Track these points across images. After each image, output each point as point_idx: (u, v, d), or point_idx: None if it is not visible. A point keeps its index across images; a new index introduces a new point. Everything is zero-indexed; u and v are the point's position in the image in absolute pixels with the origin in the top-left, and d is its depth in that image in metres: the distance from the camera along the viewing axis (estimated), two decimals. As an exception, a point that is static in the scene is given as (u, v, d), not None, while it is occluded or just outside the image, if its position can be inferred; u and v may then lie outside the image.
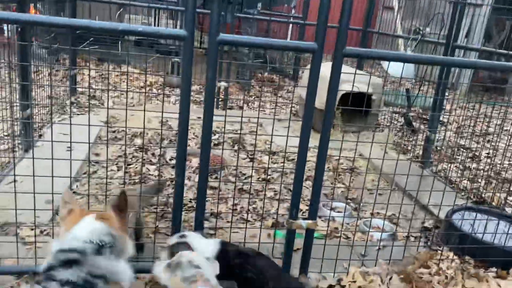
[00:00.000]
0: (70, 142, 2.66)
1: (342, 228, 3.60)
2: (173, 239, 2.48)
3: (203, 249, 2.40)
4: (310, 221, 2.78)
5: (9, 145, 4.75)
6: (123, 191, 2.05)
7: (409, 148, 6.17)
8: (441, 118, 6.54)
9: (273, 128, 2.90)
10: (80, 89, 7.28)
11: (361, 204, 4.33)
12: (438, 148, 6.16)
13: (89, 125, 2.66)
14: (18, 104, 4.59)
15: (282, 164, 5.23)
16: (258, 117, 3.31)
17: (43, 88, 5.91)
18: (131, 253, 2.03)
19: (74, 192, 3.96)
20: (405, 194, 4.55)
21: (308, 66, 2.57)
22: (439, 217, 3.88)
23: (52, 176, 2.64)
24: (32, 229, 3.17)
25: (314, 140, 2.72)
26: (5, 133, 5.04)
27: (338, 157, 5.28)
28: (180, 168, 2.60)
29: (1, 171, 3.98)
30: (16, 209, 2.69)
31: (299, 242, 2.93)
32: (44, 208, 3.23)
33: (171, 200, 4.05)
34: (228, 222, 3.79)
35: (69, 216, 1.99)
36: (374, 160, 5.19)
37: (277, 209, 3.27)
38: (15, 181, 3.00)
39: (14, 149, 4.69)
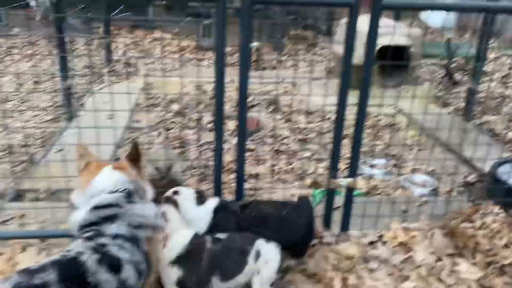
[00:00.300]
0: (112, 110, 2.72)
1: (382, 185, 3.57)
2: (167, 194, 2.53)
3: (187, 208, 2.46)
4: (350, 180, 2.78)
5: (53, 115, 4.94)
6: (135, 142, 2.11)
7: (451, 101, 5.95)
8: (484, 68, 6.23)
9: (310, 88, 2.86)
10: (115, 57, 7.37)
11: (401, 160, 4.26)
12: (482, 99, 5.91)
13: (128, 92, 2.71)
14: (58, 76, 4.72)
15: (318, 123, 5.20)
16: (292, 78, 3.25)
17: (80, 58, 6.04)
18: (152, 196, 2.11)
19: (117, 158, 4.10)
20: (447, 149, 4.45)
21: (342, 21, 2.48)
22: (483, 171, 3.78)
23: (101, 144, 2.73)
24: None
25: (350, 97, 2.66)
26: (49, 104, 5.24)
27: (376, 114, 5.19)
28: (219, 132, 2.63)
29: (49, 140, 4.16)
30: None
31: (338, 201, 2.95)
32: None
33: (210, 163, 4.14)
34: (266, 183, 3.85)
35: (87, 169, 2.07)
36: (414, 115, 5.07)
37: (315, 169, 3.27)
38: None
39: (58, 119, 4.88)
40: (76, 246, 1.78)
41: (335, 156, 2.74)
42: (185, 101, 5.73)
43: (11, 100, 4.79)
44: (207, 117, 5.30)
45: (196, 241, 2.30)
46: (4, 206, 3.13)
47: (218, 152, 2.67)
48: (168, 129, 4.87)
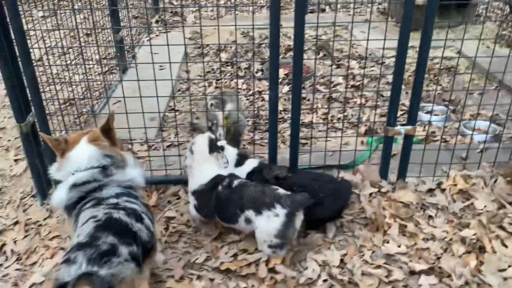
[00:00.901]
0: (169, 62, 2.74)
1: (440, 132, 3.46)
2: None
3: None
4: (408, 127, 2.71)
5: (107, 68, 5.07)
6: (111, 113, 2.13)
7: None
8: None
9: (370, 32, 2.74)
10: (162, 6, 7.34)
11: (460, 105, 4.09)
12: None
13: (184, 44, 2.71)
14: (110, 28, 4.78)
15: (371, 69, 5.03)
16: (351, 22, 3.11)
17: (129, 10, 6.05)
18: (131, 163, 2.16)
19: (172, 109, 4.19)
20: (511, 93, 4.21)
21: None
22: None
23: (156, 96, 2.78)
24: (142, 145, 3.48)
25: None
26: (102, 57, 5.35)
27: (432, 57, 4.93)
28: (273, 81, 2.60)
29: (105, 93, 4.30)
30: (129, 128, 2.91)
31: (394, 148, 2.90)
32: (148, 125, 3.50)
33: (262, 112, 4.15)
34: (320, 131, 3.82)
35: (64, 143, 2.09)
36: (474, 57, 4.78)
37: (369, 116, 3.19)
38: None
39: (112, 71, 5.01)
40: (96, 211, 1.88)
41: (394, 103, 2.66)
42: (233, 49, 5.69)
43: (66, 54, 4.93)
44: (256, 65, 5.25)
45: (213, 182, 2.47)
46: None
47: (274, 101, 2.65)
48: (218, 79, 4.88)
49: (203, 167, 2.53)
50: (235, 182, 2.44)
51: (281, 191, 2.35)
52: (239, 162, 2.68)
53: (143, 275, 1.89)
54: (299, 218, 2.32)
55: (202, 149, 2.55)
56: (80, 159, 2.05)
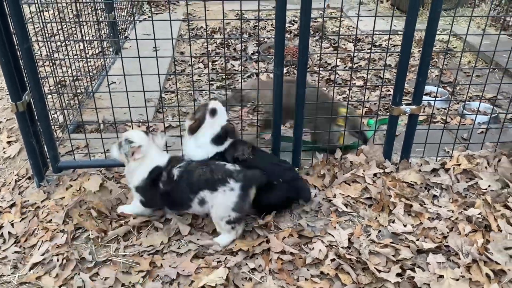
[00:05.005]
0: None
1: (441, 113, 3.45)
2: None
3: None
4: (414, 107, 2.68)
5: (99, 48, 4.93)
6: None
7: (511, 23, 5.55)
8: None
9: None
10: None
11: (458, 87, 4.08)
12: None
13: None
14: (102, 8, 4.65)
15: (368, 50, 4.99)
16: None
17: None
18: None
19: (168, 91, 4.11)
20: (507, 74, 4.22)
21: None
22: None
23: (158, 74, 2.70)
24: (139, 126, 3.41)
25: (399, 22, 2.49)
26: (94, 38, 5.21)
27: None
28: (279, 59, 2.55)
29: (98, 73, 4.19)
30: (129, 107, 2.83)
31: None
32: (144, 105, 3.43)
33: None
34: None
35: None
36: (470, 39, 4.77)
37: (368, 97, 3.16)
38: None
39: (105, 52, 4.88)
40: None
41: (399, 83, 2.62)
42: (228, 30, 5.59)
43: (56, 35, 4.78)
44: (251, 47, 5.18)
45: (156, 172, 2.38)
46: (66, 137, 3.22)
47: (279, 80, 2.59)
48: (213, 61, 4.80)
49: (143, 161, 2.39)
50: (178, 170, 2.36)
51: (229, 166, 2.34)
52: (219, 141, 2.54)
53: None
54: (252, 192, 2.33)
55: (140, 142, 2.39)
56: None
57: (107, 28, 4.80)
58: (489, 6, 5.97)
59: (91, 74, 3.88)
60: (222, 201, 2.27)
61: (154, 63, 2.62)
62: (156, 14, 6.16)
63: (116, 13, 4.83)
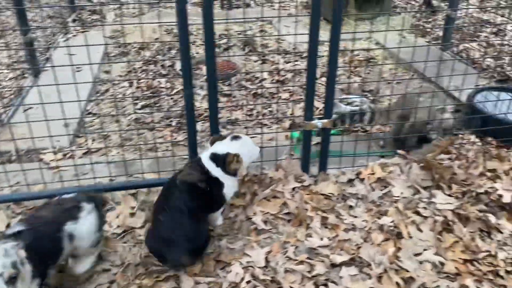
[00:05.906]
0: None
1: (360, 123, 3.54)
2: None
3: None
4: (325, 121, 2.73)
5: (18, 72, 4.71)
6: None
7: (429, 30, 5.83)
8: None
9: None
10: (79, 5, 6.97)
11: (378, 95, 4.21)
12: (460, 26, 5.80)
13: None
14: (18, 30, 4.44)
15: (295, 63, 5.06)
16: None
17: (41, 8, 5.68)
18: None
19: (89, 113, 3.97)
20: (425, 80, 4.41)
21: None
22: (461, 100, 3.77)
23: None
24: (55, 153, 3.25)
25: (327, 33, 2.53)
26: (12, 60, 4.97)
27: (352, 49, 5.06)
28: (187, 79, 2.52)
29: (14, 99, 3.98)
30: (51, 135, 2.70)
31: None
32: (62, 132, 3.29)
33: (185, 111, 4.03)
34: (245, 128, 3.78)
35: None
36: (391, 48, 4.96)
37: (293, 110, 3.20)
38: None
39: (23, 75, 4.65)
40: None
41: (309, 97, 2.66)
42: (156, 47, 5.50)
43: (-29, 59, 4.54)
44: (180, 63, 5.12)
45: None
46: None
47: (189, 100, 2.57)
48: (139, 79, 4.70)
49: None
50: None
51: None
52: None
53: None
54: None
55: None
56: None
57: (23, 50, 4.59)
58: (408, 15, 6.26)
59: (4, 100, 3.68)
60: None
61: (79, 85, 2.53)
62: (82, 32, 5.97)
63: (34, 34, 4.63)
